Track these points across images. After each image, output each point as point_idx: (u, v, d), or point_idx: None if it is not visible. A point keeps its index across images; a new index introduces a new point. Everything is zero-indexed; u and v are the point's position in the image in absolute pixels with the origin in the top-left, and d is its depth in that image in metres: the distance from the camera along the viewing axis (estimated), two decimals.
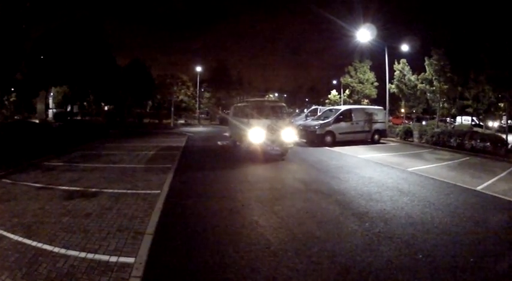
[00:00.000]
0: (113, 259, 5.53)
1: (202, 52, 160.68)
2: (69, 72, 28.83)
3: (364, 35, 29.33)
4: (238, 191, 9.78)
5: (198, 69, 57.89)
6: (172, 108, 50.78)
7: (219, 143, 23.36)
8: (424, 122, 39.69)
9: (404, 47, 31.59)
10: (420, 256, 5.20)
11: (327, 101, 57.95)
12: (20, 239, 6.45)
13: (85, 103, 49.70)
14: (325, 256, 5.29)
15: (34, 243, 6.24)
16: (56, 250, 5.95)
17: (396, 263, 4.97)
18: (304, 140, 21.83)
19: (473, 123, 37.15)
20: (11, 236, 6.61)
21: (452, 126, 31.86)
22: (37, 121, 32.57)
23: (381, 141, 23.46)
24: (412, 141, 23.07)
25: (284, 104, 19.12)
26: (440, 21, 31.22)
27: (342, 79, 48.68)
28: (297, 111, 42.65)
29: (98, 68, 31.11)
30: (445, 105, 34.76)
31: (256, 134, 15.03)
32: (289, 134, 15.58)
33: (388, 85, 32.43)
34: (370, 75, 45.31)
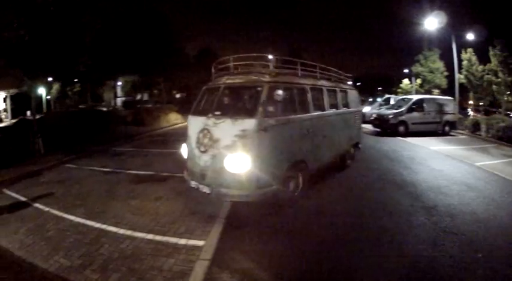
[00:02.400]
0: (182, 241, 5.42)
1: (271, 40, 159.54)
2: (135, 62, 29.44)
3: (432, 22, 27.44)
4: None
5: (270, 57, 57.34)
6: None
7: None
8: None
9: (470, 36, 29.13)
10: (480, 255, 5.10)
11: (399, 90, 55.46)
12: (82, 220, 6.43)
13: (155, 91, 51.17)
14: (394, 249, 5.29)
15: (97, 225, 6.19)
16: (121, 231, 5.86)
17: (457, 261, 4.90)
18: (378, 129, 21.19)
19: None
20: (72, 217, 6.61)
21: None
22: (104, 109, 33.75)
23: (451, 133, 22.10)
24: (480, 134, 21.34)
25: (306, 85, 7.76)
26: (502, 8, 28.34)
27: (412, 68, 46.39)
28: (369, 99, 41.00)
29: (166, 57, 31.56)
30: (510, 98, 32.44)
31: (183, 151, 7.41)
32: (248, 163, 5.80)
33: (457, 75, 30.13)
34: (440, 65, 42.74)
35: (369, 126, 21.98)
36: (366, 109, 27.39)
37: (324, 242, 5.49)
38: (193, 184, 6.50)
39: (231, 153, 5.86)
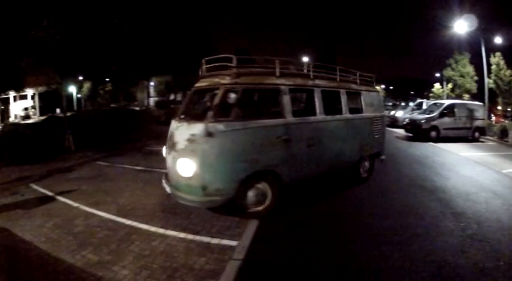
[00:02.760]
0: (215, 241, 5.35)
1: (304, 41, 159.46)
2: (168, 63, 29.71)
3: (462, 25, 26.97)
4: None
5: (305, 59, 57.08)
6: None
7: None
8: None
9: (498, 40, 28.46)
10: (501, 263, 5.08)
11: (430, 94, 54.49)
12: (113, 217, 6.41)
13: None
14: (422, 253, 5.26)
15: (128, 222, 6.15)
16: (153, 229, 5.80)
17: (481, 268, 4.88)
18: (411, 134, 20.96)
19: None
20: (102, 214, 6.59)
21: None
22: (137, 109, 34.20)
23: (480, 139, 21.85)
24: (507, 141, 20.93)
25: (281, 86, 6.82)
26: None
27: (444, 72, 45.60)
28: (402, 104, 40.42)
29: (200, 57, 31.90)
30: None
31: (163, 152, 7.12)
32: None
33: (486, 80, 29.34)
34: (470, 69, 41.91)
35: (401, 131, 21.86)
36: (399, 114, 27.70)
37: (354, 242, 5.56)
38: (163, 183, 6.52)
39: (181, 157, 5.83)
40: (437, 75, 56.06)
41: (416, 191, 8.79)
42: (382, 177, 10.08)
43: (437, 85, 52.35)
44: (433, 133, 19.63)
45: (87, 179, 9.25)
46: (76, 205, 7.12)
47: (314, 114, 7.32)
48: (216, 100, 5.90)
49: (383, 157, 10.19)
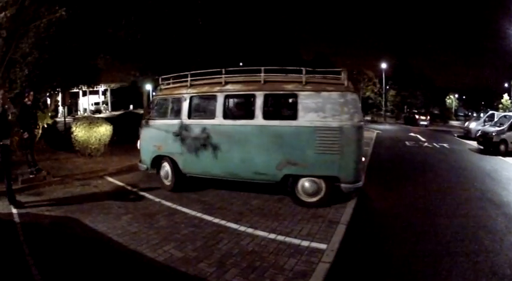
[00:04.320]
0: (304, 243, 5.36)
1: (382, 48, 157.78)
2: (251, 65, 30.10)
3: None
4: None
5: (383, 66, 56.28)
6: (360, 105, 50.94)
7: (406, 143, 22.52)
8: None
9: None
10: None
11: (500, 105, 51.68)
12: (199, 214, 6.63)
13: None
14: (487, 267, 5.00)
15: (216, 220, 6.32)
16: (242, 228, 5.92)
17: None
18: (482, 147, 20.05)
19: None
20: (187, 210, 6.87)
21: None
22: None
23: None
24: None
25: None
26: None
27: None
28: (474, 115, 38.78)
29: (284, 63, 32.24)
30: None
31: None
32: None
33: None
34: None
35: (474, 144, 21.12)
36: (472, 125, 26.77)
37: (419, 252, 5.42)
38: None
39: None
40: (506, 85, 53.62)
41: (484, 206, 8.40)
42: (459, 193, 9.75)
43: (506, 96, 49.93)
44: (502, 147, 18.72)
45: None
46: (158, 200, 7.59)
47: (213, 117, 7.89)
48: (151, 106, 9.49)
49: (348, 186, 7.02)
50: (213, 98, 7.96)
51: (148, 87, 37.24)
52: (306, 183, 7.25)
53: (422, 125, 42.46)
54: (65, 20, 11.24)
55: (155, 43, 13.01)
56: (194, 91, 8.24)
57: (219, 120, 7.75)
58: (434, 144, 21.10)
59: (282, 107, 8.23)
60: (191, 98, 8.21)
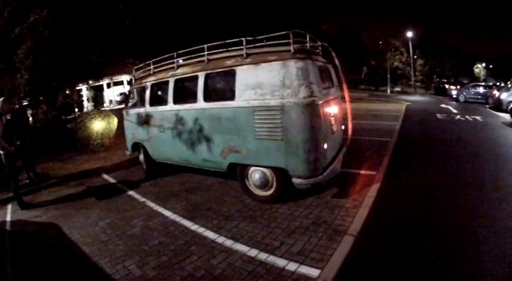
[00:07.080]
0: (291, 266, 4.19)
1: (407, 17, 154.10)
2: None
3: None
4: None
5: (409, 34, 53.95)
6: (388, 76, 50.80)
7: (438, 116, 21.00)
8: None
9: None
10: None
11: None
12: (178, 219, 5.98)
13: None
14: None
15: (195, 226, 5.53)
16: (220, 240, 4.99)
17: None
18: None
19: None
20: (167, 213, 6.32)
21: None
22: None
23: None
24: None
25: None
26: None
27: None
28: (502, 84, 36.31)
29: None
30: None
31: None
32: None
33: None
34: None
35: (507, 116, 19.04)
36: (503, 96, 23.85)
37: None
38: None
39: None
40: None
41: None
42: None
43: None
44: None
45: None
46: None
47: (166, 103, 7.78)
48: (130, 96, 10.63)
49: (300, 182, 5.62)
50: (167, 83, 7.83)
51: None
52: (254, 173, 6.31)
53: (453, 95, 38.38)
54: (54, 20, 11.62)
55: (146, 27, 12.61)
56: (154, 79, 8.38)
57: (170, 106, 7.69)
58: (467, 117, 19.51)
59: (221, 86, 7.08)
60: (152, 86, 8.41)
